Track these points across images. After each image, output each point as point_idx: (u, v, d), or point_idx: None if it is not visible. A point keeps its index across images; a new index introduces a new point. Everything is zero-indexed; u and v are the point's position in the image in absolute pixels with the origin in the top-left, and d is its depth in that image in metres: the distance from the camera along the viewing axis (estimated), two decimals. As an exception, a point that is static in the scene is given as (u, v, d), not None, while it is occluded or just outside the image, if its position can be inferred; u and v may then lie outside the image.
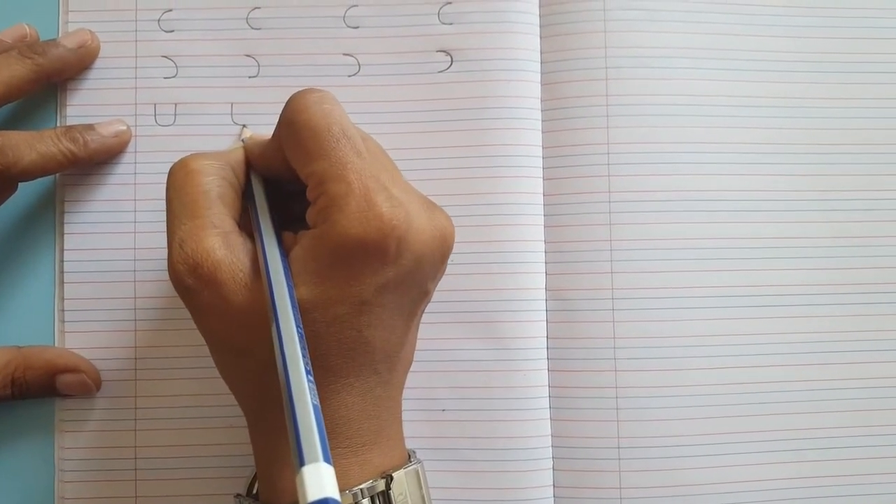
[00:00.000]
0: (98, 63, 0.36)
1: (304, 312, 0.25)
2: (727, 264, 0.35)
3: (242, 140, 0.34)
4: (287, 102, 0.27)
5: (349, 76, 0.36)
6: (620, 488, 0.34)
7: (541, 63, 0.36)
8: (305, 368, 0.23)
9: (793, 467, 0.35)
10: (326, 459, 0.21)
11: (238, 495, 0.29)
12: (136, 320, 0.35)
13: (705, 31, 0.36)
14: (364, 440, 0.27)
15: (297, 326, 0.24)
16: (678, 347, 0.35)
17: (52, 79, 0.34)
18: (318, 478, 0.20)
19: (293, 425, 0.21)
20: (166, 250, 0.26)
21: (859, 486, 0.35)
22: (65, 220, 0.35)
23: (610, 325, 0.35)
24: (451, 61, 0.36)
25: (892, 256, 0.36)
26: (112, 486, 0.34)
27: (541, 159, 0.35)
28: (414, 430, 0.33)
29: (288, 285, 0.25)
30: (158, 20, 0.36)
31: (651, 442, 0.34)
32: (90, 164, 0.35)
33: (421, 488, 0.28)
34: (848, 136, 0.37)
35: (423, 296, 0.28)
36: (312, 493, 0.20)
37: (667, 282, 0.35)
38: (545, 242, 0.35)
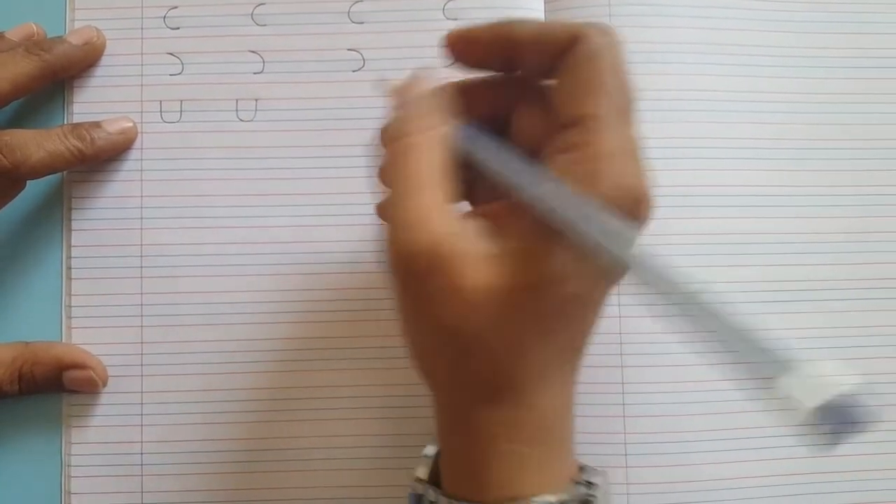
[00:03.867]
0: (104, 60, 0.36)
1: (558, 285, 0.24)
2: (732, 260, 0.35)
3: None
4: (588, 33, 0.25)
5: (354, 71, 0.36)
6: (627, 483, 0.34)
7: (546, 58, 0.36)
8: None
9: (801, 462, 0.35)
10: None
11: (420, 479, 0.27)
12: (142, 316, 0.35)
13: (711, 26, 0.36)
14: (572, 438, 0.26)
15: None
16: (684, 343, 0.35)
17: (59, 75, 0.35)
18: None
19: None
20: (373, 234, 0.25)
21: (870, 483, 0.35)
22: (72, 217, 0.35)
23: (616, 320, 0.34)
24: (456, 57, 0.35)
25: (902, 251, 0.36)
26: (119, 481, 0.34)
27: (546, 154, 0.35)
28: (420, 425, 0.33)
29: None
30: (164, 17, 0.36)
31: (657, 437, 0.34)
32: (97, 161, 0.35)
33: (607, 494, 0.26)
34: (855, 131, 0.37)
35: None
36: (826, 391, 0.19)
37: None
38: (551, 237, 0.35)
